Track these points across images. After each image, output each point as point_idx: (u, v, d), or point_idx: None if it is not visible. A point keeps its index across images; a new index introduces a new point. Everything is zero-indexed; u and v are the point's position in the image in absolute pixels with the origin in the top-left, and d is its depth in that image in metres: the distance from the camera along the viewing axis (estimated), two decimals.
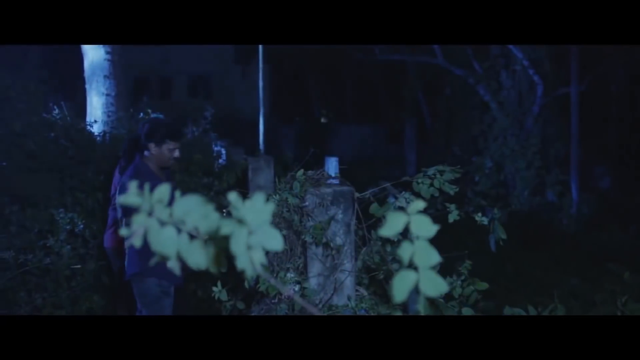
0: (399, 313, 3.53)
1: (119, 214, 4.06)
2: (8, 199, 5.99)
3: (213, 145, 8.23)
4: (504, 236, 3.67)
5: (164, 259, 1.05)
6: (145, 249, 3.54)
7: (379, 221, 3.98)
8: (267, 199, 0.98)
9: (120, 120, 8.71)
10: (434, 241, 1.08)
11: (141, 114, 7.50)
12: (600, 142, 16.56)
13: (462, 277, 3.69)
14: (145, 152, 4.14)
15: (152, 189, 1.04)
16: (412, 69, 19.92)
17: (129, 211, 3.87)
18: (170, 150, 4.11)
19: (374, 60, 18.30)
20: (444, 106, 18.29)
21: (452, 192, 3.81)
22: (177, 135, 4.14)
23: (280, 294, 3.94)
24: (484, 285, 3.64)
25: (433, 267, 1.07)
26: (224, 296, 3.81)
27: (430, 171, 3.87)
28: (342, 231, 4.06)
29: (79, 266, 5.87)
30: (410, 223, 1.07)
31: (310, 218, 4.04)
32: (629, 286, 5.12)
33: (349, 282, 4.09)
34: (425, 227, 1.06)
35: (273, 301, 4.08)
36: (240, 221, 1.01)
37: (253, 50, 12.66)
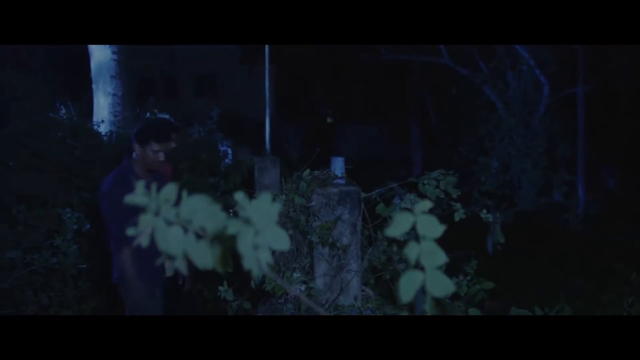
0: (405, 313, 3.53)
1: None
2: (15, 199, 6.01)
3: (219, 145, 8.24)
4: (502, 240, 3.67)
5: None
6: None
7: (385, 221, 3.98)
8: (274, 199, 0.98)
9: (126, 120, 8.74)
10: (441, 241, 1.08)
11: (147, 114, 7.53)
12: (607, 142, 16.51)
13: (469, 277, 3.69)
14: (133, 154, 4.04)
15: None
16: (418, 68, 19.90)
17: (109, 215, 3.87)
18: (155, 153, 3.97)
19: (380, 60, 18.27)
20: (449, 106, 18.27)
21: (455, 195, 3.81)
22: (161, 138, 3.98)
23: (287, 294, 3.95)
24: (490, 285, 3.64)
25: (440, 267, 1.07)
26: (230, 296, 3.82)
27: (434, 174, 3.87)
28: (348, 231, 4.06)
29: (85, 266, 5.89)
30: (417, 223, 1.07)
31: (316, 218, 4.04)
32: (636, 287, 5.11)
33: (355, 282, 4.09)
34: (432, 227, 1.06)
35: (279, 301, 4.08)
36: (247, 221, 1.01)
37: (259, 50, 12.67)
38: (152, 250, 1.04)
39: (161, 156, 4.01)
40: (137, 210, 0.99)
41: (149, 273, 3.91)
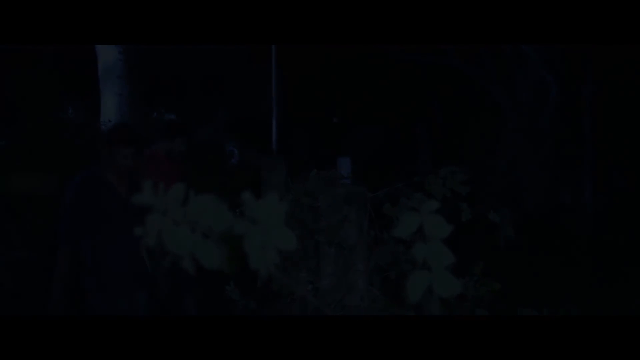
0: (412, 313, 3.52)
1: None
2: (22, 198, 6.03)
3: (226, 145, 8.25)
4: (512, 235, 3.66)
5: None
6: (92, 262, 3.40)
7: (391, 221, 3.97)
8: (281, 199, 0.98)
9: (133, 120, 8.75)
10: (448, 241, 1.08)
11: (155, 114, 7.54)
12: (616, 142, 16.43)
13: (475, 278, 3.67)
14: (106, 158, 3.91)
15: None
16: (424, 68, 19.84)
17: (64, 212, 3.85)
18: (124, 157, 3.79)
19: (386, 60, 18.24)
20: (456, 106, 18.21)
21: (464, 193, 3.79)
22: (129, 141, 3.82)
23: (293, 294, 3.94)
24: (497, 286, 3.62)
25: (447, 268, 1.06)
26: (236, 295, 3.82)
27: (442, 172, 3.85)
28: (355, 231, 4.05)
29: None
30: (424, 223, 1.06)
31: (322, 218, 4.03)
32: None
33: (361, 282, 4.08)
34: (440, 227, 1.06)
35: (286, 301, 4.08)
36: (254, 221, 1.00)
37: (267, 50, 12.68)
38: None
39: (129, 160, 3.84)
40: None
41: (121, 275, 3.92)
